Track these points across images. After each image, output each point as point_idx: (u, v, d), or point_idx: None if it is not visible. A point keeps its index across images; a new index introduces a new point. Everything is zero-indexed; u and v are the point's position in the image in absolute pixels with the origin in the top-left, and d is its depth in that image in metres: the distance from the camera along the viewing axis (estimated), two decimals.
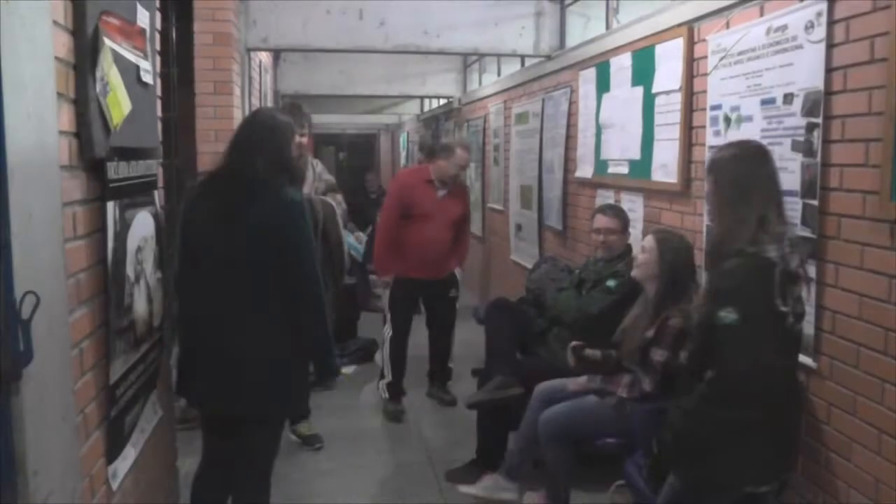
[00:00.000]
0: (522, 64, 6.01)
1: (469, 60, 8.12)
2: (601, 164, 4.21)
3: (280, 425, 2.62)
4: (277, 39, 4.85)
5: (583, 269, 3.60)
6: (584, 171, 4.46)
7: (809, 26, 2.47)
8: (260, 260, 2.35)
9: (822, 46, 2.40)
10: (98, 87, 1.78)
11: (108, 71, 1.84)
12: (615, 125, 4.01)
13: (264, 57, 6.29)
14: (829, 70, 2.39)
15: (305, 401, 2.50)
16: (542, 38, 5.07)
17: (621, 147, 3.93)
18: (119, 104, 1.90)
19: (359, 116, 13.76)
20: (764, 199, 2.05)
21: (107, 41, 1.79)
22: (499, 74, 7.07)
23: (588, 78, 4.39)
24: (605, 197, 4.18)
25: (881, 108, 2.16)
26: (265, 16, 4.77)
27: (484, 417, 3.49)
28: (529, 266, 5.12)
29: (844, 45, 2.34)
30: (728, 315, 1.97)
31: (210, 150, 4.32)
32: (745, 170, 2.09)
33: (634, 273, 2.95)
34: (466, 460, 3.58)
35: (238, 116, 4.50)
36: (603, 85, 4.17)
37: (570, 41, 5.03)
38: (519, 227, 5.98)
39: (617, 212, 3.53)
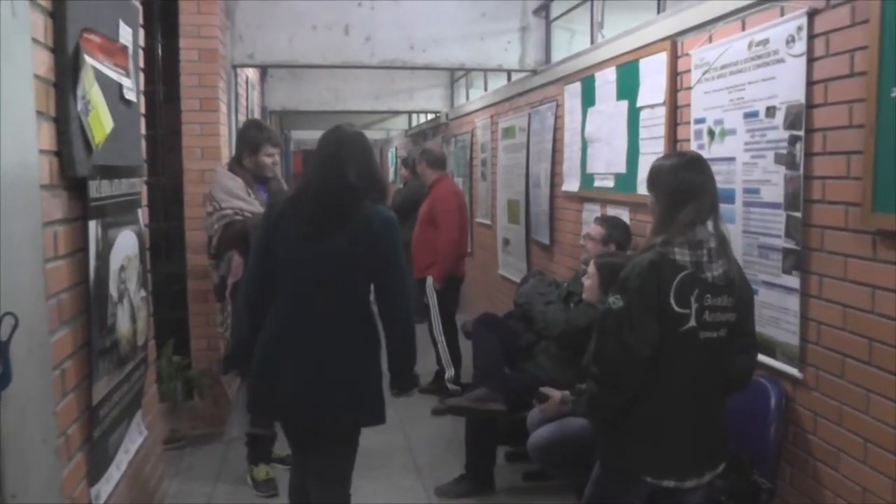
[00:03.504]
0: (509, 79, 6.04)
1: (456, 75, 8.17)
2: (587, 178, 4.23)
3: (358, 436, 2.59)
4: (264, 55, 4.85)
5: (571, 282, 3.60)
6: (571, 185, 4.47)
7: (790, 40, 2.49)
8: (352, 278, 2.37)
9: (803, 60, 2.43)
10: (79, 106, 1.77)
11: (90, 89, 1.83)
12: (601, 139, 4.03)
13: (251, 73, 6.29)
14: (811, 83, 2.42)
15: (384, 411, 2.52)
16: (528, 52, 5.11)
17: (607, 161, 3.95)
18: (101, 122, 1.89)
19: None
20: (696, 207, 2.08)
21: (88, 59, 1.78)
22: (485, 89, 7.12)
23: (573, 92, 4.41)
24: (592, 211, 4.19)
25: (862, 120, 2.18)
26: (251, 32, 4.78)
27: (472, 432, 3.48)
28: (517, 280, 5.12)
29: (825, 59, 2.36)
30: (616, 301, 2.04)
31: (196, 167, 4.31)
32: (681, 178, 2.12)
33: (584, 296, 3.08)
34: (456, 475, 3.56)
35: (224, 133, 4.49)
36: (588, 99, 4.20)
37: (556, 55, 5.07)
38: (506, 242, 5.99)
39: (611, 223, 3.52)
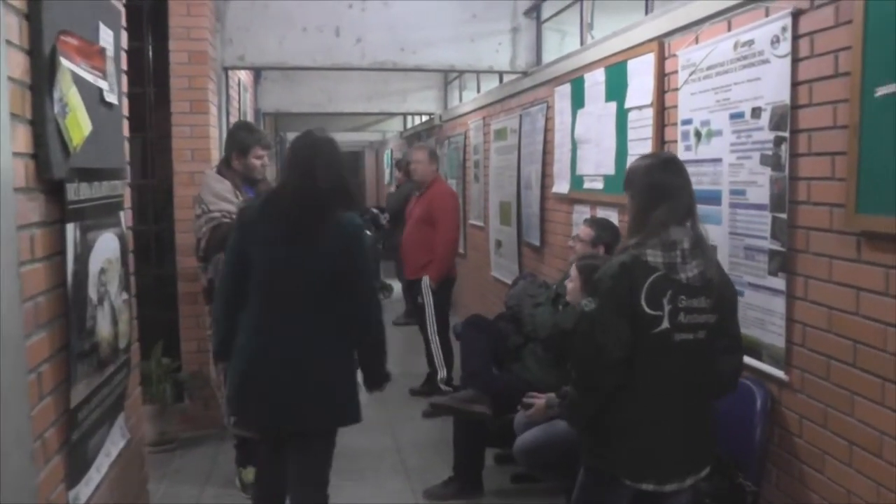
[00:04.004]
0: (501, 80, 6.04)
1: (450, 77, 8.16)
2: (577, 180, 4.22)
3: (335, 434, 2.63)
4: (254, 57, 4.85)
5: (559, 284, 3.59)
6: (561, 186, 4.47)
7: (775, 41, 2.49)
8: (327, 282, 2.40)
9: (788, 61, 2.42)
10: (56, 108, 1.76)
11: (67, 91, 1.82)
12: (590, 141, 4.03)
13: (244, 75, 6.29)
14: (795, 84, 2.41)
15: (360, 409, 2.60)
16: (519, 54, 5.10)
17: (596, 162, 3.94)
18: (79, 125, 1.88)
19: (343, 134, 13.78)
20: (670, 207, 2.07)
21: (64, 61, 1.77)
22: (478, 91, 7.11)
23: (563, 94, 4.41)
24: (582, 212, 4.18)
25: (846, 121, 2.17)
26: (241, 34, 4.77)
27: (460, 435, 3.47)
28: (509, 282, 5.11)
29: (809, 60, 2.36)
30: (588, 303, 2.06)
31: (186, 169, 4.31)
32: (656, 178, 2.13)
33: (568, 299, 3.07)
34: (445, 478, 3.55)
35: (215, 135, 4.49)
36: (578, 101, 4.19)
37: (547, 57, 5.06)
38: (499, 244, 5.98)
39: (600, 224, 3.51)
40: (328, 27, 4.81)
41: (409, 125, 11.15)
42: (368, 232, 8.84)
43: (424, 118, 9.46)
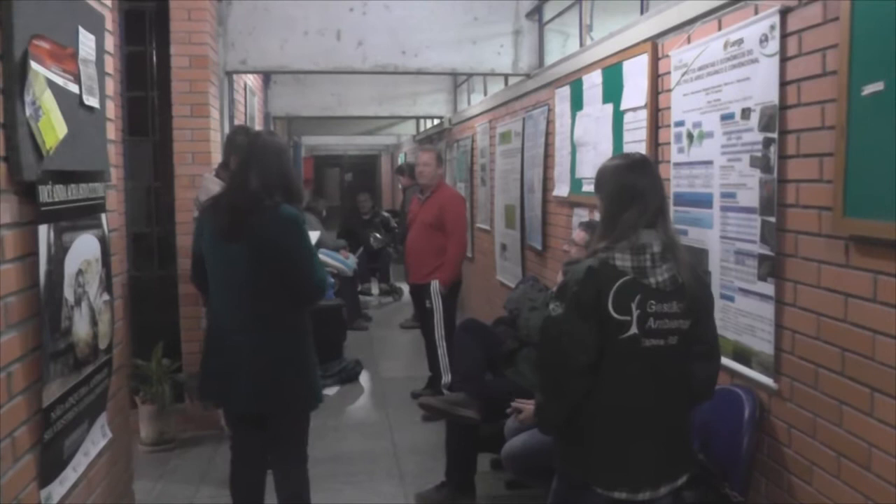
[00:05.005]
0: (506, 83, 6.02)
1: (459, 80, 8.15)
2: (576, 183, 4.18)
3: (307, 413, 2.82)
4: (256, 61, 4.88)
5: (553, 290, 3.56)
6: (561, 189, 4.43)
7: (764, 39, 2.44)
8: (263, 272, 2.55)
9: (776, 60, 2.37)
10: (29, 111, 1.77)
11: (41, 95, 1.84)
12: (588, 143, 3.99)
13: (252, 79, 6.33)
14: (784, 84, 2.36)
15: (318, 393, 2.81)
16: (521, 56, 5.08)
17: (594, 165, 3.88)
18: (53, 128, 1.89)
19: (359, 138, 13.87)
20: (640, 209, 2.03)
21: (35, 65, 1.79)
22: (485, 94, 7.09)
23: (563, 96, 4.37)
24: (581, 216, 4.14)
25: (833, 122, 2.12)
26: (243, 38, 4.80)
27: (451, 438, 3.45)
28: (513, 286, 5.08)
29: (797, 59, 2.30)
30: (555, 308, 2.02)
31: (187, 172, 4.34)
32: (625, 179, 2.08)
33: None
34: (439, 482, 3.53)
35: (216, 139, 4.52)
36: (577, 103, 4.16)
37: (550, 59, 5.03)
38: (504, 247, 5.95)
39: (594, 228, 3.47)
40: (329, 30, 4.82)
41: (422, 129, 11.16)
42: (378, 235, 8.90)
43: (436, 121, 9.46)
